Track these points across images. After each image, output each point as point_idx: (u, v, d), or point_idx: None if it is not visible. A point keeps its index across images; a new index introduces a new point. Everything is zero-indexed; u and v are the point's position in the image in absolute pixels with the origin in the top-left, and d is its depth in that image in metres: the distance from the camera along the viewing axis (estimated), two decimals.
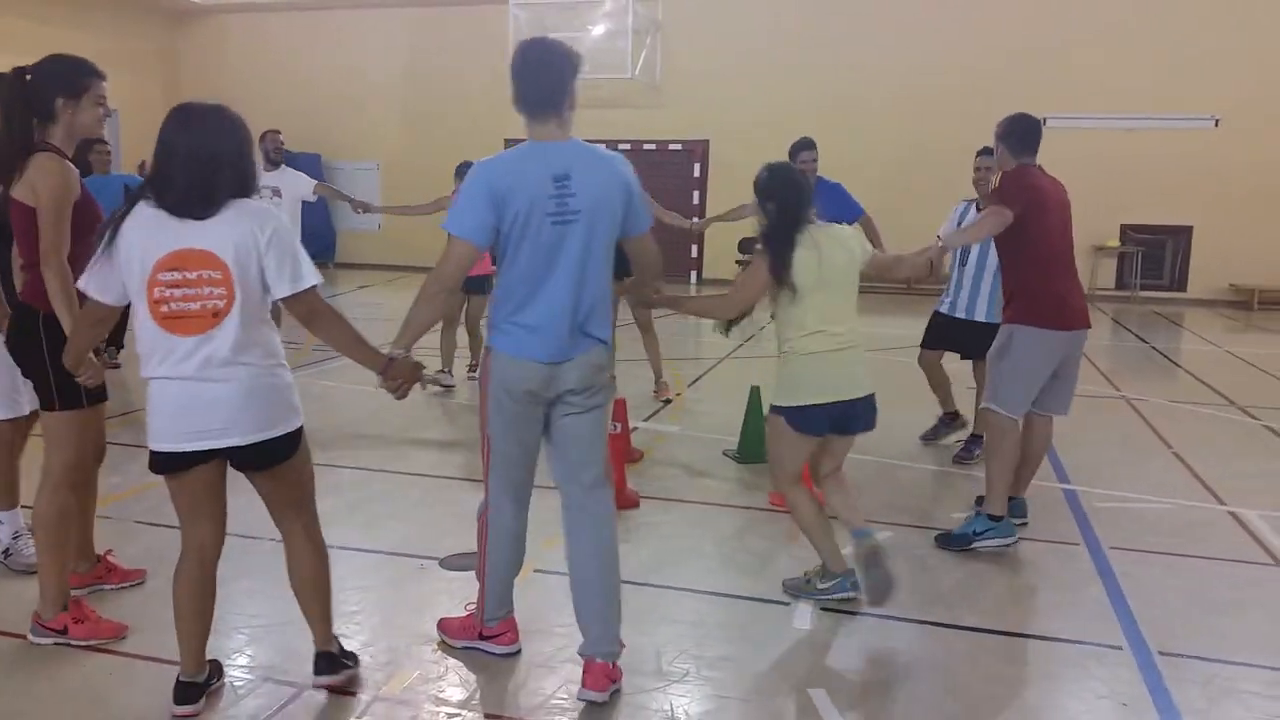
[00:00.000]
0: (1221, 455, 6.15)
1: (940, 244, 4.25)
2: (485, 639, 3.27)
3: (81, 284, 2.72)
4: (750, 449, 5.62)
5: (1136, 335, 11.40)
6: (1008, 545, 4.35)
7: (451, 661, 3.23)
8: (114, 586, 3.69)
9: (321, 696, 2.99)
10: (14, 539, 3.88)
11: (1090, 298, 14.79)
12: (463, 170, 8.05)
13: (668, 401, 7.21)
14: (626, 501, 4.81)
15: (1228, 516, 4.95)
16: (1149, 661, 3.36)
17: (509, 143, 2.86)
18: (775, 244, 3.59)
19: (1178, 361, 10.43)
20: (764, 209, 3.66)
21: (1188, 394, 8.26)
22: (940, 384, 6.17)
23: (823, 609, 3.70)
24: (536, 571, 3.87)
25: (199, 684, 2.89)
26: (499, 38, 15.94)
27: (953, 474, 5.67)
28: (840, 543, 3.79)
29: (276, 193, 8.71)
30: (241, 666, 3.17)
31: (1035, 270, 4.32)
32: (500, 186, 2.80)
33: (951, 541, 4.39)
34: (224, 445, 2.68)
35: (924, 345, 6.15)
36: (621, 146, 16.44)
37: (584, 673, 3.02)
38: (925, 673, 3.30)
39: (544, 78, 2.89)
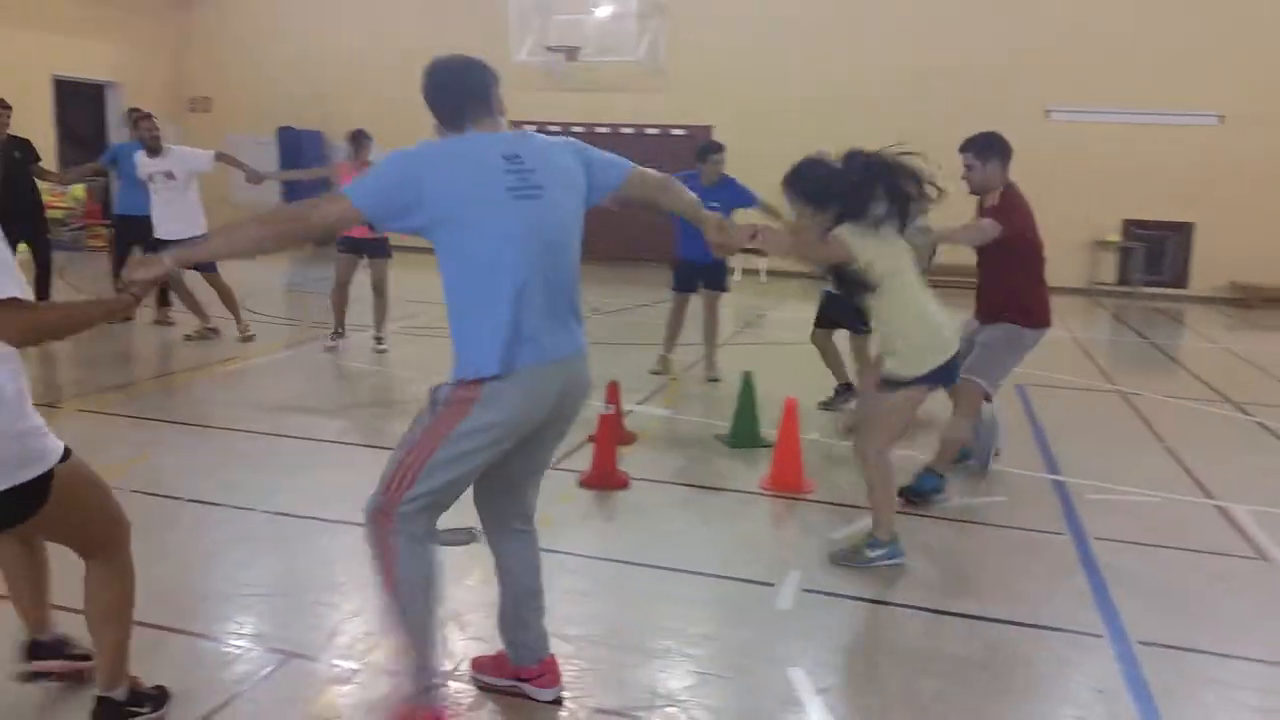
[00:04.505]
0: (1213, 451, 6.17)
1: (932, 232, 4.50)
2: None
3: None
4: (741, 434, 5.64)
5: (1136, 331, 11.40)
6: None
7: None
8: None
9: (307, 665, 3.03)
10: None
11: (1090, 293, 14.92)
12: (356, 136, 7.96)
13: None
14: (616, 482, 4.85)
15: (1215, 511, 4.98)
16: (1127, 651, 3.39)
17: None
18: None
19: (1176, 358, 10.44)
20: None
21: (1184, 390, 8.27)
22: (834, 359, 6.65)
23: (804, 591, 3.73)
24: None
25: None
26: (500, 20, 15.93)
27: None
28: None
29: (170, 175, 8.13)
30: (231, 633, 3.22)
31: (1027, 278, 4.94)
32: (430, 172, 2.55)
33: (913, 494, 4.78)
34: None
35: (816, 324, 6.63)
36: (624, 130, 16.62)
37: (541, 675, 2.89)
38: (903, 655, 3.33)
39: (466, 87, 2.74)
